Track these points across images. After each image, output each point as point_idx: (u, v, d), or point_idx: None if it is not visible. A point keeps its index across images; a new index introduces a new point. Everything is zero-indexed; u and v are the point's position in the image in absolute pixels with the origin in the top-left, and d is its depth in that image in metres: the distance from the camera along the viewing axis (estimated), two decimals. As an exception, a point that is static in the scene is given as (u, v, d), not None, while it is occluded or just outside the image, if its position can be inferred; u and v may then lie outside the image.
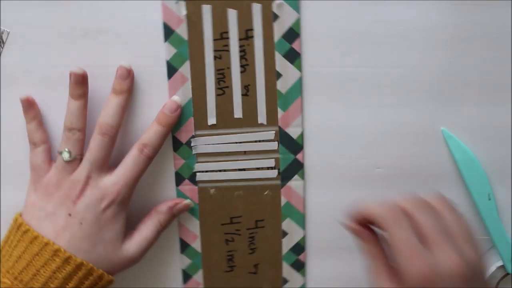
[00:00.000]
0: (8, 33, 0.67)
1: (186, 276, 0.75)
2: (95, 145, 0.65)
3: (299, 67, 0.69)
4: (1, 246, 0.66)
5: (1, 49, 0.67)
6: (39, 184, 0.67)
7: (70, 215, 0.65)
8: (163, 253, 0.74)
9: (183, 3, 0.67)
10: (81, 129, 0.66)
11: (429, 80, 0.70)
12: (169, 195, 0.72)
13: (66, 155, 0.65)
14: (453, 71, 0.70)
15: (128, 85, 0.67)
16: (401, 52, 0.69)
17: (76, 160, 0.66)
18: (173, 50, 0.68)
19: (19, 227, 0.65)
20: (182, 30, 0.67)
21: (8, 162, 0.71)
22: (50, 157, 0.68)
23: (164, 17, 0.67)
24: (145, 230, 0.69)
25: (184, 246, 0.74)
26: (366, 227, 0.63)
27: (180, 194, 0.72)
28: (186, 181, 0.72)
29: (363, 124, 0.72)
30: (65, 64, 0.67)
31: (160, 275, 0.75)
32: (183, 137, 0.70)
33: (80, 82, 0.66)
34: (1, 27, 0.67)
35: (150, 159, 0.67)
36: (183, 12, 0.67)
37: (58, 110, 0.68)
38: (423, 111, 0.71)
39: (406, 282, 0.58)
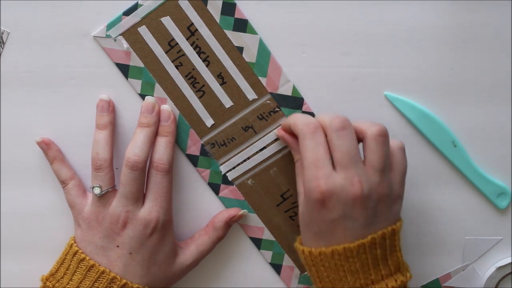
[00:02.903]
0: (8, 33, 0.68)
1: (276, 266, 0.74)
2: (126, 180, 0.66)
3: (253, 31, 0.68)
4: (55, 266, 0.69)
5: (1, 49, 0.68)
6: (81, 219, 0.68)
7: (118, 246, 0.67)
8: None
9: (120, 37, 0.68)
10: (108, 159, 0.67)
11: (429, 80, 0.70)
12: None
13: (97, 191, 0.67)
14: (453, 71, 0.70)
15: (154, 119, 0.68)
16: (401, 52, 0.70)
17: (108, 192, 0.67)
18: (139, 82, 0.69)
19: (74, 254, 0.68)
20: (134, 60, 0.68)
21: (8, 162, 0.72)
22: (83, 189, 0.70)
23: (112, 58, 0.68)
24: (202, 244, 0.71)
25: (258, 242, 0.74)
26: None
27: (224, 200, 0.72)
28: (222, 186, 0.72)
29: (363, 124, 0.71)
30: (65, 64, 0.70)
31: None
32: (195, 150, 0.71)
33: (106, 110, 0.68)
34: (1, 27, 0.69)
35: (168, 173, 0.67)
36: (125, 45, 0.68)
37: (59, 110, 0.70)
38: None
39: (305, 192, 0.61)
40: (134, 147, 0.66)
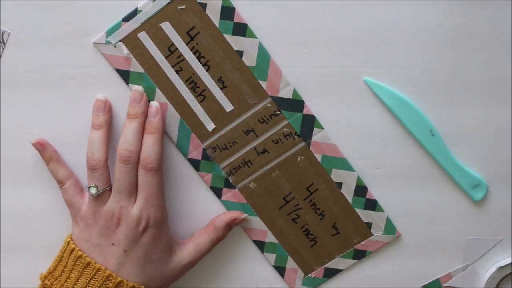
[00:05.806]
0: (9, 34, 0.68)
1: (280, 269, 0.74)
2: (120, 174, 0.66)
3: (253, 35, 0.68)
4: (53, 264, 0.69)
5: (2, 49, 0.68)
6: (79, 218, 0.69)
7: (113, 244, 0.67)
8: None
9: (120, 43, 0.68)
10: (102, 159, 0.67)
11: (429, 80, 0.70)
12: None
13: (93, 190, 0.67)
14: (453, 71, 0.70)
15: (142, 109, 0.68)
16: (401, 52, 0.70)
17: (104, 191, 0.68)
18: (140, 88, 0.69)
19: (72, 251, 0.68)
20: (135, 66, 0.68)
21: (8, 162, 0.72)
22: (80, 188, 0.70)
23: (113, 64, 0.68)
24: (201, 244, 0.71)
25: (261, 245, 0.74)
26: None
27: (227, 203, 0.72)
28: (224, 189, 0.72)
29: (363, 124, 0.71)
30: (65, 64, 0.69)
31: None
32: (196, 154, 0.71)
33: (102, 109, 0.68)
34: (1, 28, 0.68)
35: (158, 171, 0.67)
36: (125, 51, 0.68)
37: (59, 110, 0.70)
38: (422, 111, 0.71)
39: None
40: (125, 142, 0.66)
